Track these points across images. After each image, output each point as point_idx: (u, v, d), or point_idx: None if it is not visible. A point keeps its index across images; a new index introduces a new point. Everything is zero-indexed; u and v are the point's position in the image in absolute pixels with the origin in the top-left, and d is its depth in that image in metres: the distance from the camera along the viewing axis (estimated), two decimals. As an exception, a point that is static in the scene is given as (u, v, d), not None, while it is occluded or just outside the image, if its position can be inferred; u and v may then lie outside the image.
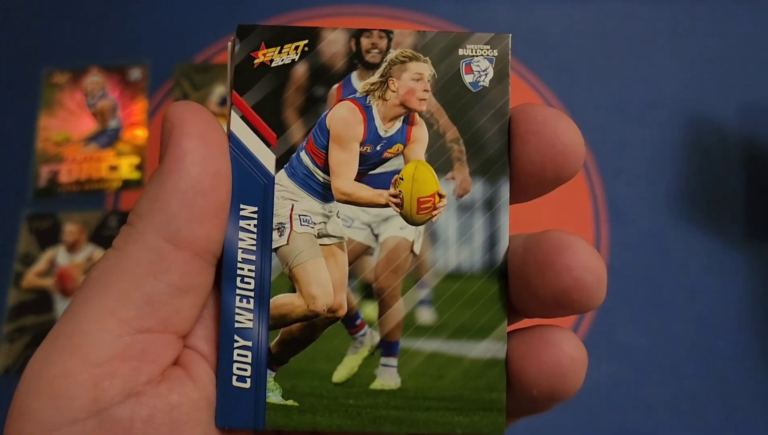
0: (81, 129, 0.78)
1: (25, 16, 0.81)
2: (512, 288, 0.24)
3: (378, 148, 0.25)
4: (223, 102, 0.77)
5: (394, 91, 0.25)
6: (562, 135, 0.23)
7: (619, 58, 0.78)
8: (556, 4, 0.80)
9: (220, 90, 0.78)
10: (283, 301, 0.24)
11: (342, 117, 0.25)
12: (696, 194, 0.72)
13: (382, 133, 0.25)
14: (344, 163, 0.25)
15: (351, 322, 0.25)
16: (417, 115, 0.25)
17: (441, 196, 0.24)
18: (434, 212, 0.24)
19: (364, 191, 0.25)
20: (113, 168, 0.76)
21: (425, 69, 0.25)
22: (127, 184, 0.76)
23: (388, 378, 0.25)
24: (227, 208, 0.23)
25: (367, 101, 0.25)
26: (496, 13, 0.80)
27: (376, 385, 0.25)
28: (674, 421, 0.64)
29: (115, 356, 0.21)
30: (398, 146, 0.25)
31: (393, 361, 0.25)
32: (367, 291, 0.25)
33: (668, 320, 0.68)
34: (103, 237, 0.73)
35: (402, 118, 0.25)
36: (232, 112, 0.24)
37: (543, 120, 0.23)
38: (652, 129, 0.75)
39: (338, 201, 0.25)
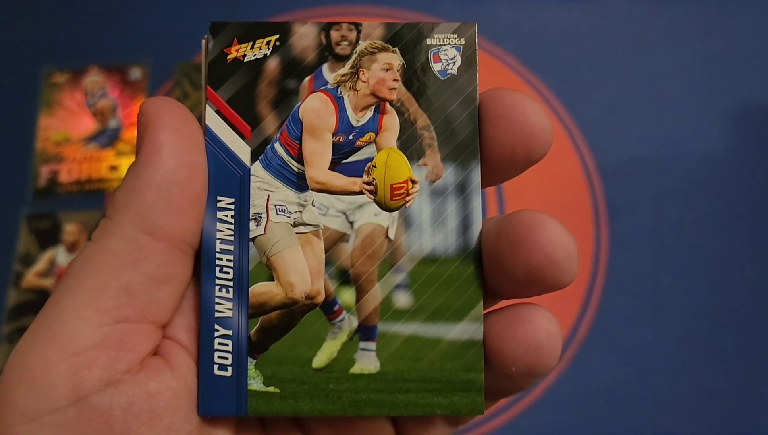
0: (81, 129, 0.78)
1: (25, 16, 0.81)
2: (487, 269, 0.25)
3: (350, 137, 0.26)
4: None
5: (364, 82, 0.25)
6: (530, 117, 0.23)
7: (619, 57, 0.79)
8: (557, 3, 0.80)
9: (220, 90, 0.78)
10: (261, 290, 0.25)
11: (314, 108, 0.25)
12: (696, 193, 0.73)
13: (354, 122, 0.26)
14: (317, 153, 0.25)
15: (329, 308, 0.26)
16: (388, 104, 0.25)
17: (414, 182, 0.25)
18: (407, 198, 0.25)
19: (338, 180, 0.25)
20: (113, 168, 0.77)
21: (394, 59, 0.25)
22: (127, 184, 0.76)
23: (367, 362, 0.25)
24: (203, 199, 0.24)
25: (339, 92, 0.26)
26: (497, 13, 0.80)
27: (356, 369, 0.25)
28: (675, 420, 0.64)
29: (93, 345, 0.22)
30: (370, 135, 0.26)
31: (372, 345, 0.25)
32: (344, 277, 0.26)
33: (668, 320, 0.68)
34: (103, 237, 0.73)
35: (373, 107, 0.26)
36: (207, 107, 0.25)
37: (511, 103, 0.24)
38: (652, 128, 0.75)
39: (313, 190, 0.25)
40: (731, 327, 0.67)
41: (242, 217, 0.24)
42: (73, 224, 0.74)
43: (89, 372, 0.21)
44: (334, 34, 0.25)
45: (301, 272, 0.25)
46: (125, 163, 0.77)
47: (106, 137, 0.78)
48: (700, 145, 0.74)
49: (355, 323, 0.26)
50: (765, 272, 0.69)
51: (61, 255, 0.73)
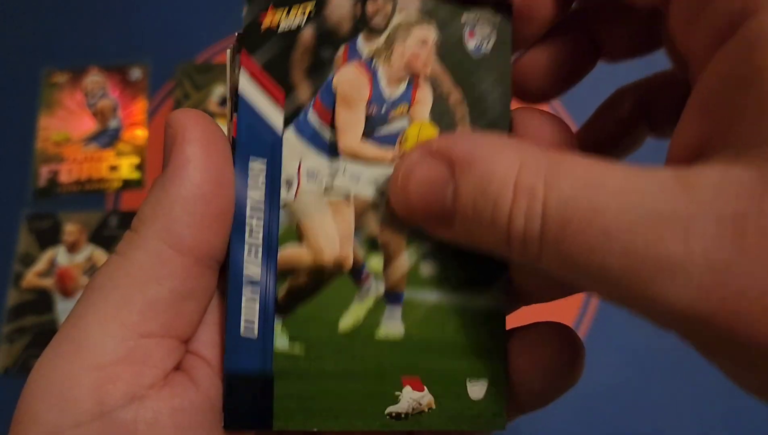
0: (81, 129, 0.78)
1: (25, 16, 0.81)
2: (512, 270, 0.25)
3: (383, 109, 0.26)
4: (223, 102, 0.77)
5: (399, 55, 0.25)
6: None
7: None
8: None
9: (220, 90, 0.78)
10: (291, 253, 0.25)
11: (348, 79, 0.25)
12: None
13: (387, 95, 0.26)
14: (350, 123, 0.25)
15: (357, 274, 0.26)
16: (421, 78, 0.25)
17: None
18: None
19: (370, 149, 0.25)
20: (113, 168, 0.77)
21: (429, 34, 0.25)
22: (128, 184, 0.76)
23: (392, 327, 0.25)
24: (230, 214, 0.24)
25: (373, 64, 0.26)
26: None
27: (381, 333, 0.25)
28: (675, 420, 0.64)
29: (118, 360, 0.21)
30: (403, 107, 0.26)
31: (397, 311, 0.25)
32: (373, 244, 0.26)
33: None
34: (103, 237, 0.73)
35: (407, 80, 0.26)
36: (241, 72, 0.25)
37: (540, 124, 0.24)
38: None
39: (345, 157, 0.25)
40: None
41: (273, 181, 0.24)
42: (73, 224, 0.74)
43: (113, 387, 0.21)
44: (370, 7, 0.25)
45: (330, 237, 0.25)
46: (125, 163, 0.77)
47: (107, 137, 0.78)
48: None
49: (382, 289, 0.25)
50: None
51: (61, 255, 0.73)
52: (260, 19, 0.25)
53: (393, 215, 0.25)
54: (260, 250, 0.24)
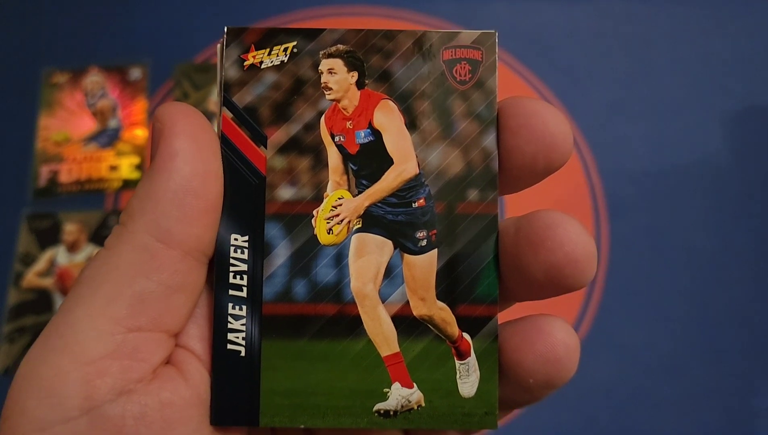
0: (81, 129, 0.78)
1: (25, 16, 0.82)
2: (504, 270, 0.25)
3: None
4: (223, 102, 0.77)
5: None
6: (551, 126, 0.23)
7: (618, 57, 0.79)
8: (556, 4, 0.80)
9: (220, 90, 0.78)
10: None
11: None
12: (696, 193, 0.73)
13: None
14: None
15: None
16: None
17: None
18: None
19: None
20: (113, 168, 0.77)
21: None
22: (127, 184, 0.76)
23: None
24: (218, 207, 0.23)
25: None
26: (496, 13, 0.80)
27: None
28: (675, 419, 0.64)
29: (106, 355, 0.21)
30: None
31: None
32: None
33: (668, 319, 0.68)
34: (103, 237, 0.73)
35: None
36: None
37: (532, 112, 0.24)
38: (651, 128, 0.75)
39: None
40: (730, 326, 0.67)
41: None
42: (73, 224, 0.74)
43: (102, 381, 0.21)
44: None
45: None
46: (125, 163, 0.77)
47: (106, 137, 0.78)
48: (699, 145, 0.74)
49: None
50: (764, 272, 0.69)
51: (61, 255, 0.73)
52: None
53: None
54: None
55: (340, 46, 0.25)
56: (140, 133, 0.78)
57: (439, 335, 0.25)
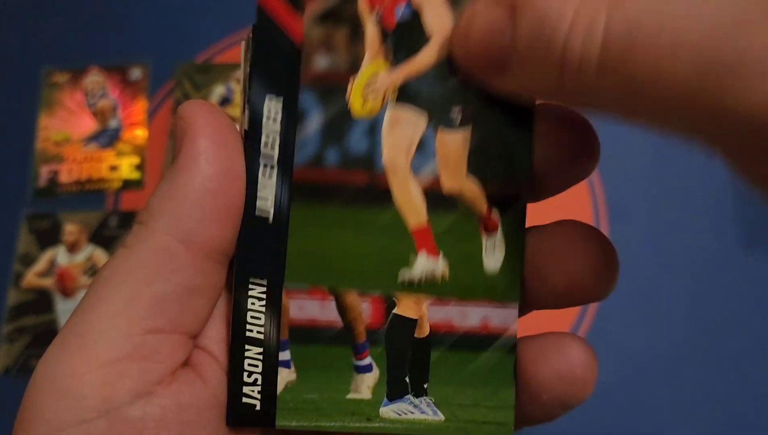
0: (81, 129, 0.78)
1: (25, 15, 0.81)
2: (525, 277, 0.24)
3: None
4: (223, 102, 0.77)
5: None
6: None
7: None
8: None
9: (220, 90, 0.78)
10: None
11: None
12: (696, 195, 0.73)
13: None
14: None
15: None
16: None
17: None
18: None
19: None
20: (113, 168, 0.76)
21: None
22: (128, 184, 0.76)
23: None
24: (240, 208, 0.23)
25: None
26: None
27: None
28: (675, 421, 0.64)
29: (124, 356, 0.21)
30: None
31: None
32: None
33: (667, 322, 0.68)
34: (103, 237, 0.73)
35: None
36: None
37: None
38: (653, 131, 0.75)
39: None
40: (731, 329, 0.67)
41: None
42: (73, 224, 0.74)
43: (120, 383, 0.21)
44: None
45: None
46: (125, 163, 0.77)
47: (107, 137, 0.78)
48: (700, 147, 0.74)
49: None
50: (764, 276, 0.69)
51: (61, 255, 0.73)
52: None
53: None
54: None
55: None
56: (140, 134, 0.78)
57: (468, 210, 0.24)
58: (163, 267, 0.22)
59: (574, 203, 0.72)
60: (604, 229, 0.71)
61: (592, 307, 0.68)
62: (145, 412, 0.21)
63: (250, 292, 0.24)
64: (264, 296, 0.24)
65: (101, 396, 0.21)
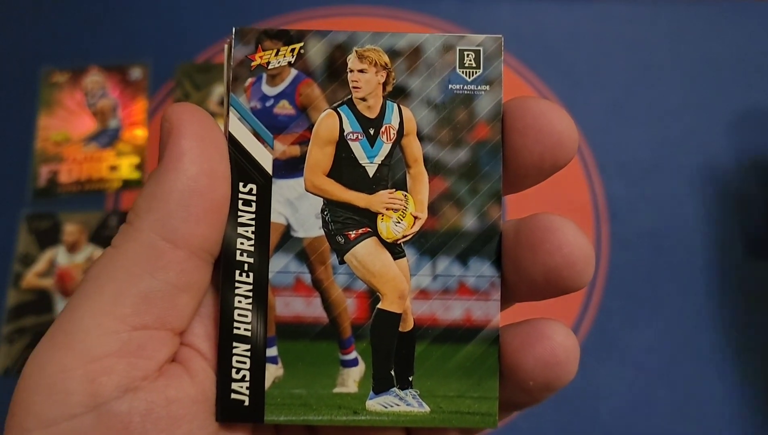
0: (81, 129, 0.78)
1: (25, 15, 0.81)
2: (504, 270, 0.25)
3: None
4: (222, 102, 0.77)
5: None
6: (557, 125, 0.24)
7: (619, 59, 0.79)
8: (558, 5, 0.80)
9: (220, 90, 0.78)
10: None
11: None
12: (696, 195, 0.73)
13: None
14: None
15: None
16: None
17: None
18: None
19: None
20: (113, 168, 0.76)
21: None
22: (128, 184, 0.76)
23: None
24: (225, 207, 0.24)
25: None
26: (498, 14, 0.80)
27: None
28: (675, 421, 0.64)
29: (111, 352, 0.22)
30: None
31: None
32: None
33: (668, 321, 0.68)
34: (103, 237, 0.73)
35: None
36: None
37: (539, 113, 0.24)
38: (652, 130, 0.75)
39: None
40: (731, 329, 0.67)
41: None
42: (73, 224, 0.74)
43: (107, 379, 0.21)
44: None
45: None
46: (125, 163, 0.77)
47: (106, 137, 0.78)
48: (700, 147, 0.74)
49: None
50: (764, 275, 0.69)
51: (61, 255, 0.73)
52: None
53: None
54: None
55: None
56: (140, 133, 0.78)
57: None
58: (150, 265, 0.22)
59: (574, 203, 0.72)
60: (605, 229, 0.71)
61: (593, 307, 0.68)
62: (131, 407, 0.22)
63: (237, 290, 0.24)
64: (250, 294, 0.24)
65: (89, 391, 0.21)
